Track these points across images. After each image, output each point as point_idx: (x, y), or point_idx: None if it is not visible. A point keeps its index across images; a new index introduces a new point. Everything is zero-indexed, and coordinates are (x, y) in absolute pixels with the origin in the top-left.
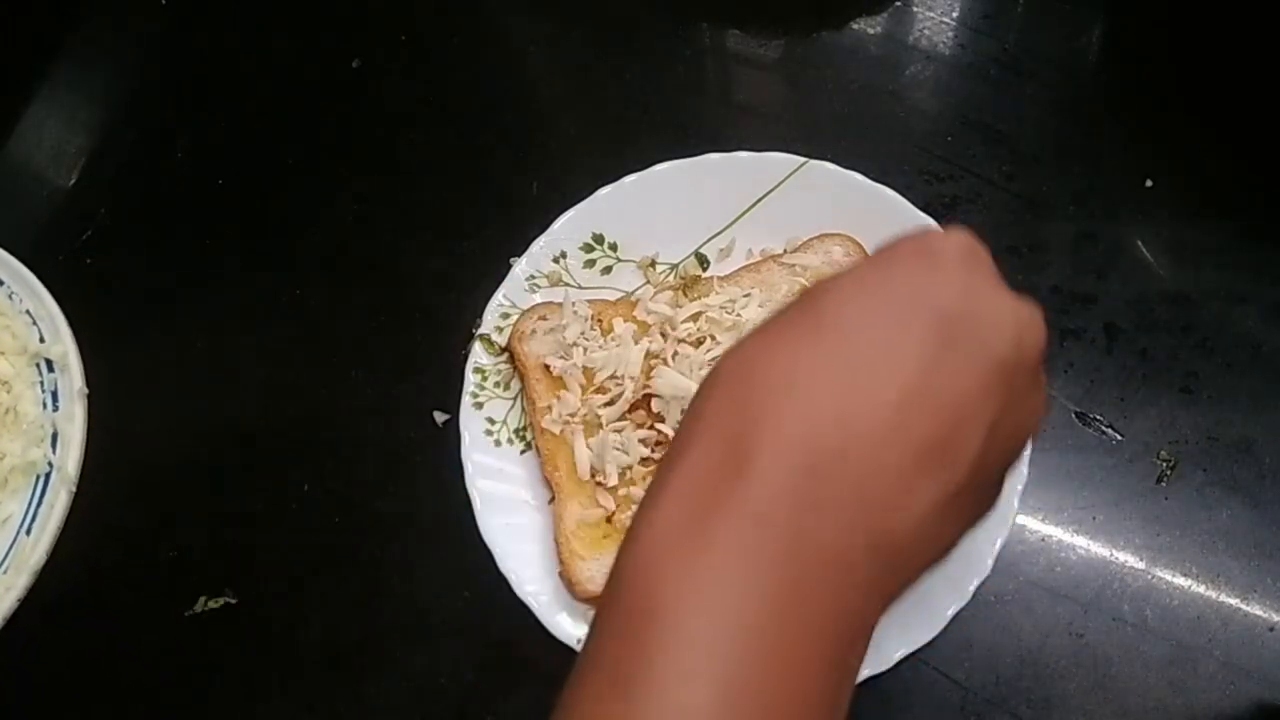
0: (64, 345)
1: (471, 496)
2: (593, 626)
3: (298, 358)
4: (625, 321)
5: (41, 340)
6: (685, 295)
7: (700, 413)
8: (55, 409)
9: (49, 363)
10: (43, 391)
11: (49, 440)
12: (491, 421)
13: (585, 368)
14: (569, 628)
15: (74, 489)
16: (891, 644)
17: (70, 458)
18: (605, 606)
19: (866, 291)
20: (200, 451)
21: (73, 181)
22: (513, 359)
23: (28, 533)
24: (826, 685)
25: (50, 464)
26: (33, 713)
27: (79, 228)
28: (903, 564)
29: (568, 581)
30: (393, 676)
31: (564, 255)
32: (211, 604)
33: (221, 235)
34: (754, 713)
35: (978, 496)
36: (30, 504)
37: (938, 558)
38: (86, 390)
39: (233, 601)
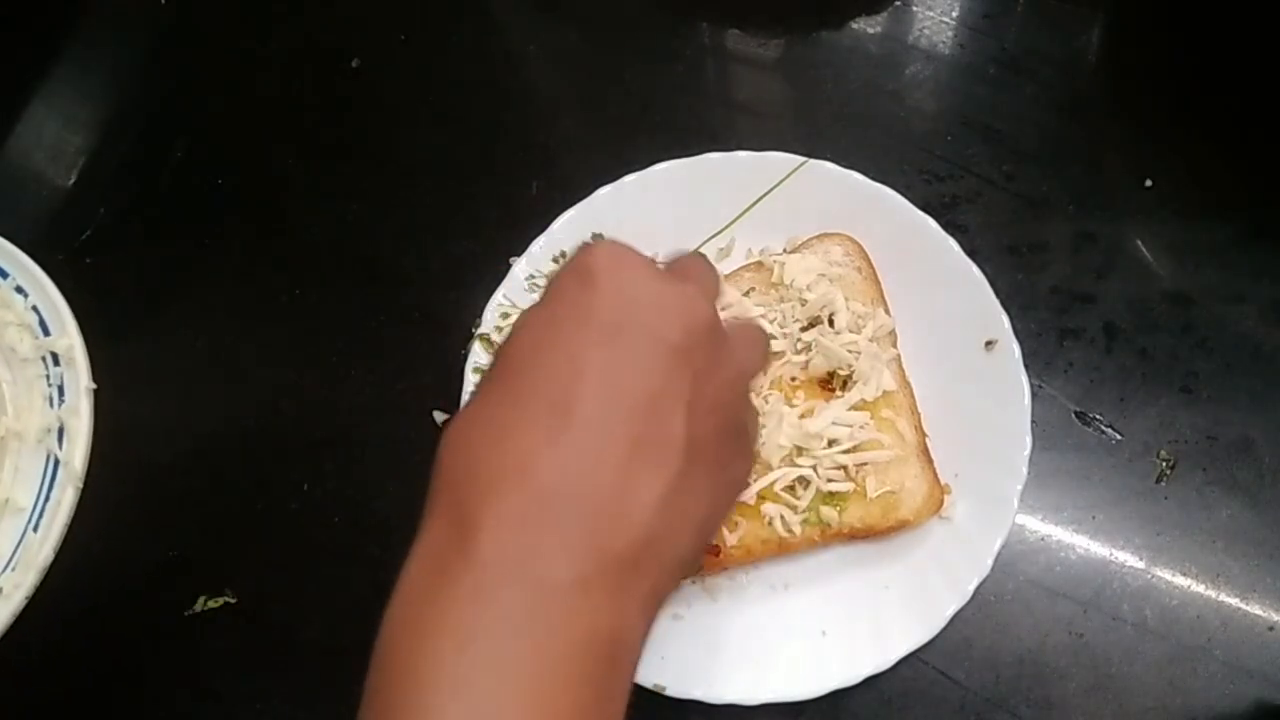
0: (70, 339)
1: None
2: (364, 697)
3: (298, 358)
4: None
5: (47, 334)
6: None
7: (429, 493)
8: (61, 404)
9: (55, 356)
10: (49, 386)
11: (55, 435)
12: None
13: None
14: None
15: (80, 486)
16: (891, 644)
17: (77, 454)
18: (369, 679)
19: (537, 328)
20: (200, 451)
21: (72, 181)
22: None
23: (35, 529)
24: (583, 701)
25: (57, 460)
26: (33, 712)
27: (79, 227)
28: (648, 563)
29: None
30: None
31: (564, 255)
32: (211, 604)
33: (221, 235)
34: None
35: (711, 472)
36: (38, 500)
37: (690, 547)
38: (94, 386)
39: (233, 601)
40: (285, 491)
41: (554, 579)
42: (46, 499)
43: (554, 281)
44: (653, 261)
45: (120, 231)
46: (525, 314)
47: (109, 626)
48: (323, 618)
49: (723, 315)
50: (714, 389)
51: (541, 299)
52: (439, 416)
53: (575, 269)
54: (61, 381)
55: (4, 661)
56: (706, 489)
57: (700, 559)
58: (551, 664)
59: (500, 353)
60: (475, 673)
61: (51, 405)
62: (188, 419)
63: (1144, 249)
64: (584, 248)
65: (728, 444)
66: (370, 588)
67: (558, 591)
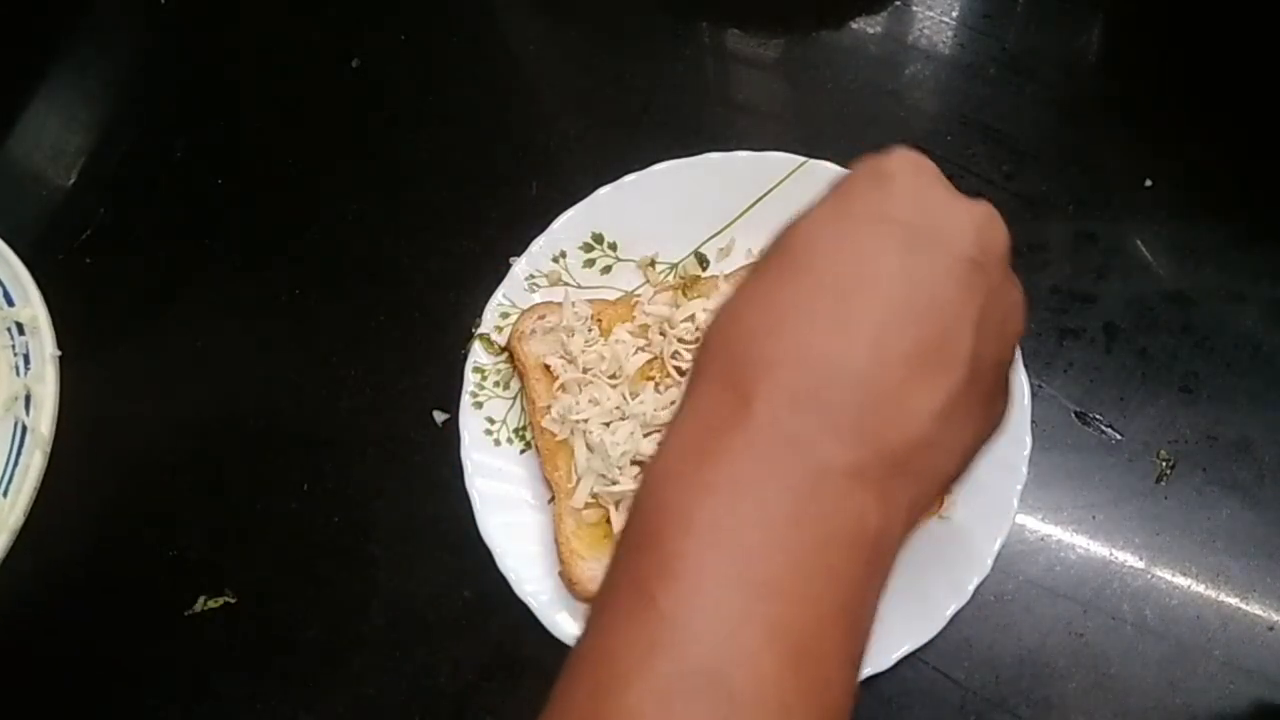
0: (33, 309)
1: (471, 496)
2: (615, 552)
3: (297, 357)
4: (625, 321)
5: (10, 304)
6: (685, 295)
7: (697, 368)
8: (27, 371)
9: (19, 326)
10: (15, 355)
11: (22, 402)
12: (491, 421)
13: (585, 368)
14: (569, 627)
15: (48, 450)
16: (891, 644)
17: (43, 419)
18: (625, 531)
19: (828, 222)
20: (200, 451)
21: (72, 181)
22: (512, 358)
23: (4, 494)
24: (846, 594)
25: (24, 426)
26: (33, 712)
27: (79, 227)
28: (917, 470)
29: (568, 581)
30: (393, 676)
31: (564, 255)
32: (211, 604)
33: (221, 235)
34: (777, 615)
35: (983, 399)
36: (6, 465)
37: (955, 467)
38: (59, 353)
39: (232, 601)
40: (285, 491)
41: (828, 460)
42: (15, 464)
43: (844, 181)
44: (942, 175)
45: (120, 231)
46: (817, 204)
47: (108, 626)
48: (323, 618)
49: None
50: (1000, 314)
51: (829, 195)
52: (439, 416)
53: (870, 171)
54: (27, 350)
55: (3, 666)
56: (977, 415)
57: (945, 494)
58: (820, 540)
59: (780, 241)
60: (745, 528)
61: (18, 374)
62: (187, 419)
63: (1144, 249)
64: (880, 155)
65: (1000, 379)
66: (370, 588)
67: (830, 473)
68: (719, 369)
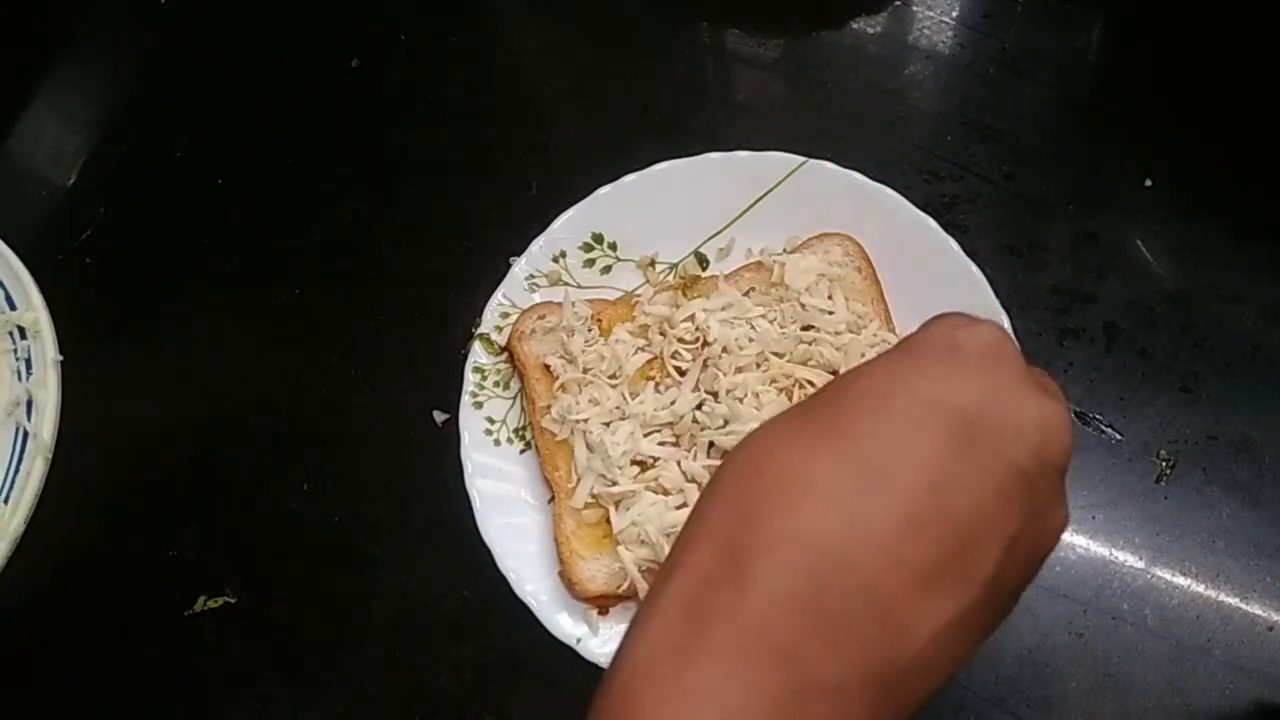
0: (36, 313)
1: (471, 496)
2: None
3: (297, 357)
4: (625, 321)
5: (13, 308)
6: (685, 295)
7: (702, 513)
8: (29, 376)
9: (21, 330)
10: (16, 360)
11: (23, 408)
12: (491, 421)
13: (585, 368)
14: (569, 627)
15: (49, 456)
16: None
17: (45, 425)
18: (600, 696)
19: (885, 388)
20: (200, 451)
21: (72, 181)
22: (512, 358)
23: (5, 501)
24: None
25: (26, 432)
26: (32, 713)
27: (78, 228)
28: (906, 691)
29: (567, 581)
30: (392, 676)
31: (563, 255)
32: (211, 604)
33: (221, 235)
34: None
35: (989, 621)
36: (8, 472)
37: (945, 680)
38: (60, 358)
39: (232, 601)
40: (285, 491)
41: (816, 674)
42: (16, 470)
43: (915, 343)
44: (1023, 360)
45: (120, 231)
46: (879, 361)
47: (108, 626)
48: (323, 618)
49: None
50: (1036, 536)
51: (894, 354)
52: (439, 416)
53: (947, 341)
54: (29, 355)
55: (3, 666)
56: (978, 636)
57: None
58: None
59: (831, 388)
60: None
61: (20, 379)
62: (187, 419)
63: (1144, 249)
64: (960, 325)
65: (1015, 596)
66: (370, 587)
67: (817, 689)
68: (725, 523)
